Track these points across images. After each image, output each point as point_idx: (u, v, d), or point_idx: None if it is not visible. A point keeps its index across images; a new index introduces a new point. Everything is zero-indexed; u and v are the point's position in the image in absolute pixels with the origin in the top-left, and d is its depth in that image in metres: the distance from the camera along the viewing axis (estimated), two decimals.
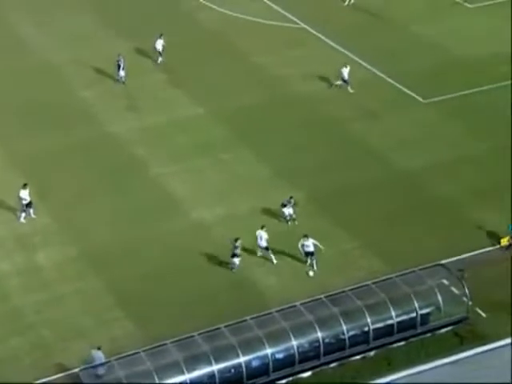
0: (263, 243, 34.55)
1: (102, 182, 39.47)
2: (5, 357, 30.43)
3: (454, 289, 32.30)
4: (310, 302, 31.20)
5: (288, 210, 36.60)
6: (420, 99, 45.88)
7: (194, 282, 33.69)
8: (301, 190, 38.93)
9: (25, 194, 36.31)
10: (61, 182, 39.00)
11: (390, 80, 47.29)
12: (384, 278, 32.37)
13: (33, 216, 36.80)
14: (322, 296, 31.34)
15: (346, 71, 46.13)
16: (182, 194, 38.81)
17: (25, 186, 36.47)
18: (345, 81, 46.21)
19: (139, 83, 47.09)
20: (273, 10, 55.30)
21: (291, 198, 36.74)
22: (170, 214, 37.37)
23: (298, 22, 54.09)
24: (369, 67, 48.83)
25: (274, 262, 34.58)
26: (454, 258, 34.32)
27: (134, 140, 42.65)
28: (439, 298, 31.47)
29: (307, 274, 34.09)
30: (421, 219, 37.27)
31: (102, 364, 28.83)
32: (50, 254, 35.18)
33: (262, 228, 34.62)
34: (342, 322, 30.40)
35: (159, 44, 48.44)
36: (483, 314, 31.99)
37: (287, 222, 36.66)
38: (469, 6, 55.27)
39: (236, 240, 33.66)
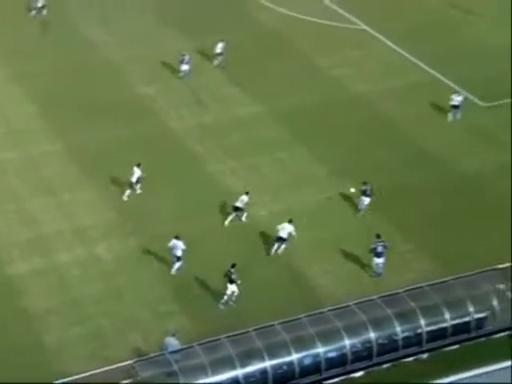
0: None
1: (160, 175, 39.94)
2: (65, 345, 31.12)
3: (510, 294, 31.98)
4: (363, 302, 31.25)
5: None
6: (480, 103, 45.48)
7: (250, 278, 33.94)
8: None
9: (137, 172, 37.97)
10: (119, 175, 39.54)
11: (448, 82, 46.95)
12: (439, 281, 32.21)
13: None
14: (376, 297, 31.39)
15: (457, 99, 43.83)
16: (237, 191, 39.14)
17: (138, 165, 38.07)
18: (455, 107, 43.84)
19: (198, 81, 47.55)
20: (333, 11, 55.36)
21: (365, 182, 37.29)
22: (225, 210, 37.70)
23: (358, 22, 54.04)
24: (427, 69, 48.58)
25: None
26: (510, 263, 34.00)
27: (192, 136, 43.11)
28: (495, 302, 31.26)
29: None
30: (477, 222, 37.01)
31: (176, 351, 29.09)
32: (111, 246, 35.89)
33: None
34: (395, 323, 30.39)
35: (219, 48, 48.64)
36: None
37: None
38: None
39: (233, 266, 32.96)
